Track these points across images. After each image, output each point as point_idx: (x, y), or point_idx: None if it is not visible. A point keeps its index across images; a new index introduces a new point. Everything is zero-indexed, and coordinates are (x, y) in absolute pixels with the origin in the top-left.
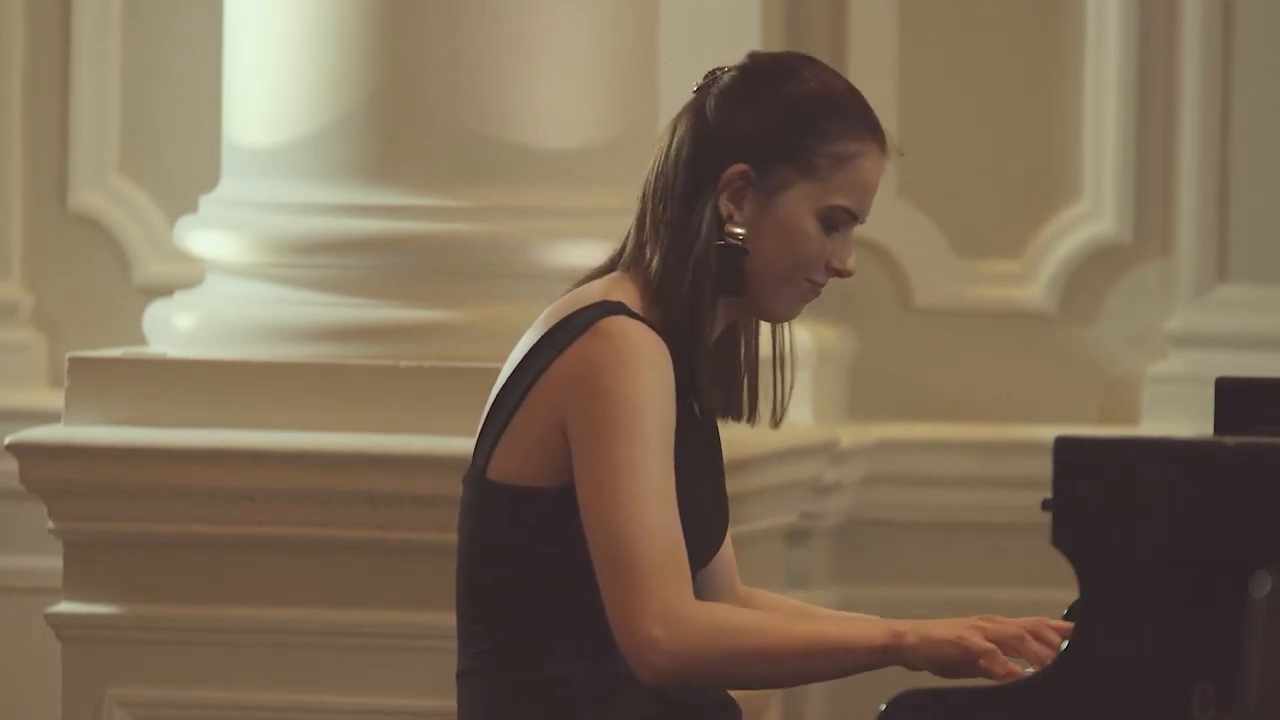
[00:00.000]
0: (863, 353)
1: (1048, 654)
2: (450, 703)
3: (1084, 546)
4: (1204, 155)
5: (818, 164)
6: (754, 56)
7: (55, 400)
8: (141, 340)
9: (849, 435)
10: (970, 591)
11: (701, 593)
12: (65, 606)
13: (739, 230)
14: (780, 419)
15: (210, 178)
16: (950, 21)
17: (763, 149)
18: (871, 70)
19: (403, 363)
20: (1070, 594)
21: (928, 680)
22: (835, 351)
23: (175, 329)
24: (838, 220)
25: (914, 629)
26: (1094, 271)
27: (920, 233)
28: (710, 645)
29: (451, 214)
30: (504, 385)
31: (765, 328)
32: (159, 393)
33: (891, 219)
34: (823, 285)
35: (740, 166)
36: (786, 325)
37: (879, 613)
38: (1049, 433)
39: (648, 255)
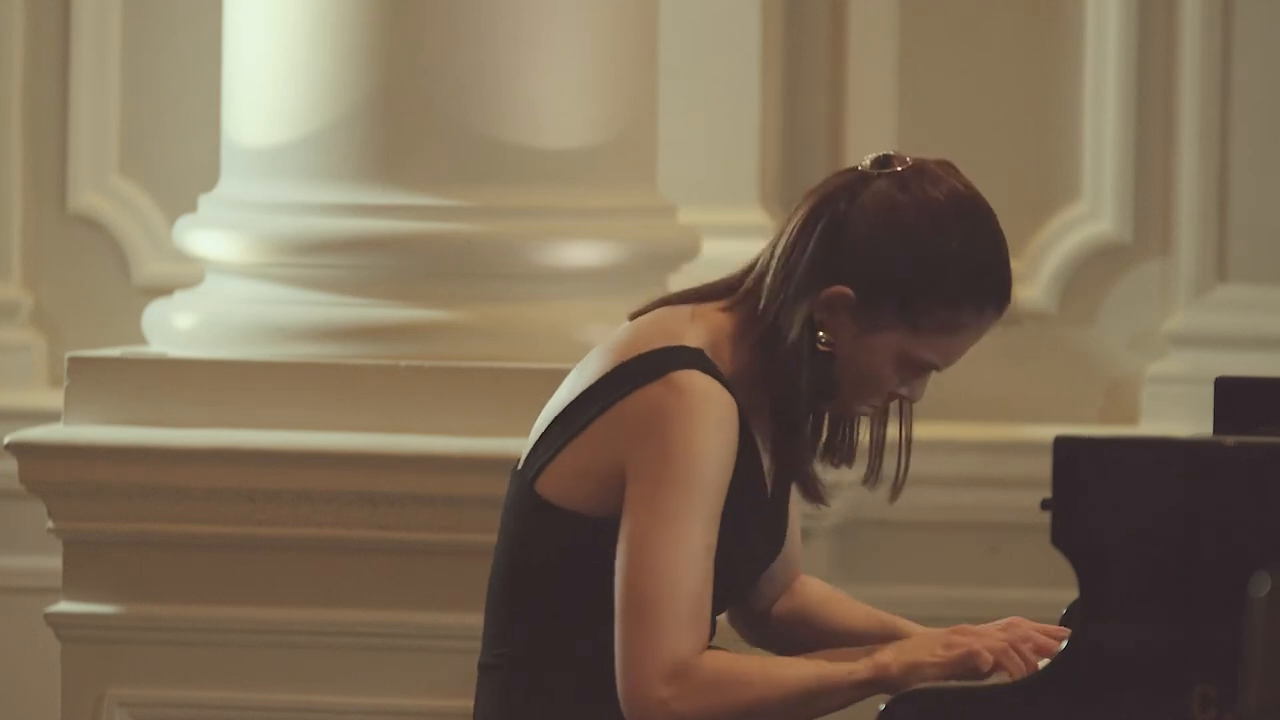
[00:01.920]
0: None
1: (1022, 667)
2: (450, 701)
3: (1083, 546)
4: (1203, 155)
5: (924, 321)
6: (919, 172)
7: (55, 400)
8: (141, 340)
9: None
10: (970, 591)
11: (763, 589)
12: (64, 606)
13: (827, 338)
14: (898, 495)
15: (210, 178)
16: (950, 22)
17: (879, 284)
18: (871, 70)
19: (403, 363)
20: (1070, 594)
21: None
22: None
23: (175, 329)
24: (918, 368)
25: (896, 658)
26: (1094, 271)
27: None
28: (713, 702)
29: (451, 214)
30: (570, 404)
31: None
32: (159, 393)
33: None
34: (880, 408)
35: (844, 290)
36: (911, 407)
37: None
38: (1049, 433)
39: (759, 312)
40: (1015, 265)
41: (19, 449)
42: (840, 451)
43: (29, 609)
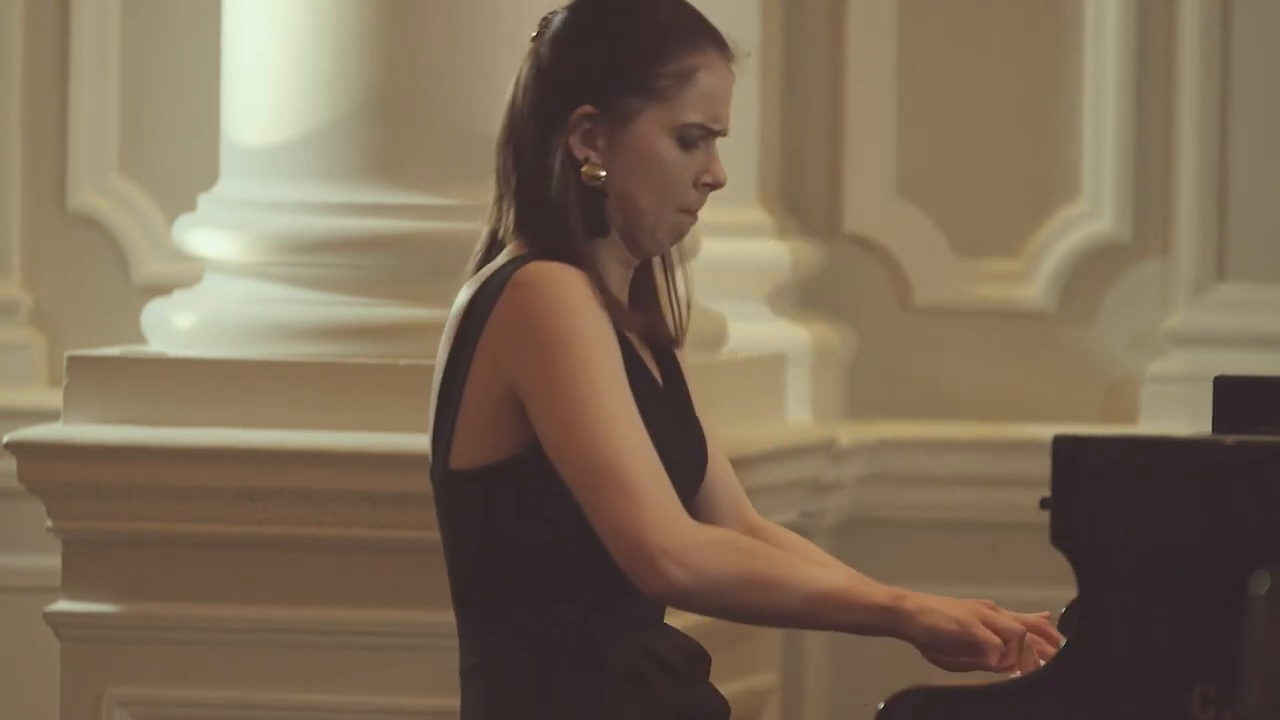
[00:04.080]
0: (862, 352)
1: (1032, 664)
2: (450, 701)
3: (1083, 545)
4: (1203, 155)
5: (659, 86)
6: None
7: (54, 399)
8: (140, 339)
9: (848, 434)
10: (970, 591)
11: (703, 518)
12: (64, 605)
13: (600, 172)
14: (681, 339)
15: (209, 177)
16: (950, 22)
17: (602, 84)
18: (871, 70)
19: (403, 362)
20: (1070, 593)
21: (927, 678)
22: (834, 350)
23: (174, 328)
24: (693, 136)
25: (915, 597)
26: (1093, 271)
27: (920, 232)
28: (723, 563)
29: (451, 213)
30: (442, 379)
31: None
32: (158, 392)
33: (891, 218)
34: (696, 208)
35: (585, 108)
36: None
37: None
38: (1049, 432)
39: (517, 218)
40: (1015, 265)
41: (18, 448)
42: (664, 333)
43: (29, 608)
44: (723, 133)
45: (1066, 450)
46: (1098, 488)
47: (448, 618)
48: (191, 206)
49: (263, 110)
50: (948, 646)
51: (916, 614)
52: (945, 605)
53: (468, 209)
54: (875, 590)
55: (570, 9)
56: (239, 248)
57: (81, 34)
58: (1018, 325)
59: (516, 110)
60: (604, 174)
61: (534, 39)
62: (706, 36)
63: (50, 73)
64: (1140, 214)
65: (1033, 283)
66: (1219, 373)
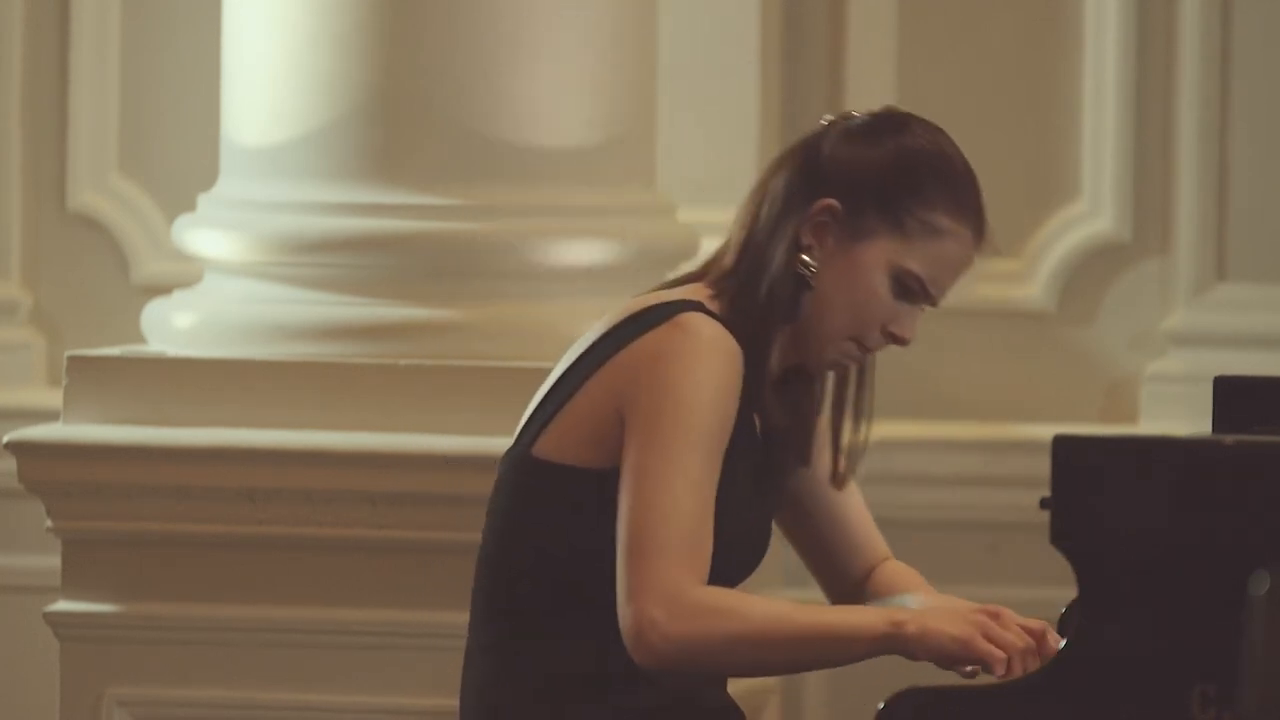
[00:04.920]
0: None
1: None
2: (449, 700)
3: (1083, 545)
4: (1203, 154)
5: (907, 223)
6: (888, 108)
7: (54, 399)
8: (140, 339)
9: (848, 434)
10: (970, 591)
11: (840, 562)
12: (63, 605)
13: (812, 265)
14: (843, 479)
15: (209, 177)
16: (950, 22)
17: (859, 190)
18: (870, 70)
19: (402, 362)
20: (1070, 593)
21: (926, 678)
22: None
23: (174, 328)
24: (909, 286)
25: (915, 619)
26: (1093, 270)
27: None
28: (707, 630)
29: (450, 213)
30: (565, 371)
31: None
32: (158, 392)
33: None
34: (871, 350)
35: (830, 201)
36: (870, 375)
37: None
38: (1049, 432)
39: (729, 266)
40: (1014, 265)
41: (18, 448)
42: (798, 452)
43: (28, 608)
44: (933, 303)
45: (1066, 450)
46: (1097, 487)
47: (448, 618)
48: (191, 206)
49: (263, 110)
50: (954, 663)
51: (920, 637)
52: (945, 623)
53: (468, 209)
54: (871, 619)
55: (874, 114)
56: (239, 248)
57: (81, 34)
58: (1018, 325)
59: (773, 184)
60: (814, 268)
61: (825, 124)
62: (975, 215)
63: (50, 73)
64: (1140, 214)
65: (1033, 282)
66: (1219, 373)
